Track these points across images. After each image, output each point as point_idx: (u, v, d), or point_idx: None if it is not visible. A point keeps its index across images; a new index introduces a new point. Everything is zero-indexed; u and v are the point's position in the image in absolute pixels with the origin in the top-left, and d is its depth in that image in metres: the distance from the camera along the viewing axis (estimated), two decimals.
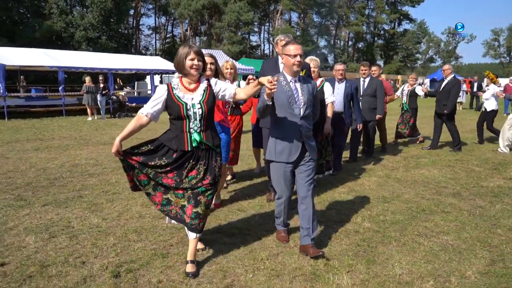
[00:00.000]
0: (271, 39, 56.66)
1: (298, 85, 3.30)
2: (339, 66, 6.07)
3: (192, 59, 2.85)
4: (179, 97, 2.88)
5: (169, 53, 47.66)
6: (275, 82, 2.77)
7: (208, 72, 3.85)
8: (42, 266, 2.99)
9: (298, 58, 3.19)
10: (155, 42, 61.38)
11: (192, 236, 2.97)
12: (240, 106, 5.19)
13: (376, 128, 7.75)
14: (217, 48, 38.43)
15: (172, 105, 2.87)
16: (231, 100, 3.10)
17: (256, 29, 57.87)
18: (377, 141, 8.31)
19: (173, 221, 3.15)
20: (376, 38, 62.32)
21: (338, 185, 5.51)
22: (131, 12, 48.12)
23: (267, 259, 3.18)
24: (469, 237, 3.71)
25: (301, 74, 4.03)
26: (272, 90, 2.78)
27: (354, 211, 4.44)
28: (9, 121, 13.92)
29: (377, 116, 7.09)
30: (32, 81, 26.29)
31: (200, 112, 2.89)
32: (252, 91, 2.99)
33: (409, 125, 8.92)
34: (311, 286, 2.79)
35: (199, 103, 2.89)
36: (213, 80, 3.06)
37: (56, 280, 2.79)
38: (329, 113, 4.96)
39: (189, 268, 2.94)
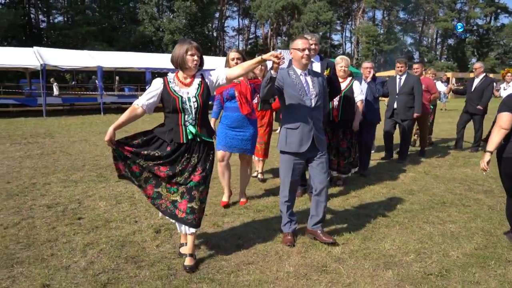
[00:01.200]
0: (352, 38, 55.82)
1: (308, 78, 3.43)
2: (367, 64, 6.17)
3: (193, 54, 2.92)
4: (175, 91, 2.93)
5: (251, 53, 49.41)
6: (281, 56, 2.90)
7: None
8: (106, 222, 3.96)
9: (306, 52, 3.31)
10: (238, 43, 63.84)
11: (189, 231, 3.03)
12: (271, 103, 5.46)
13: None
14: None
15: (167, 98, 2.93)
16: (225, 81, 3.09)
17: (338, 28, 57.49)
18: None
19: (161, 215, 3.20)
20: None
21: (373, 178, 5.89)
22: (216, 15, 50.67)
23: (280, 230, 3.81)
24: (475, 227, 3.96)
25: (325, 72, 4.39)
26: (280, 64, 2.92)
27: (375, 199, 4.86)
28: (104, 115, 16.04)
29: (415, 115, 6.86)
30: (127, 81, 29.30)
31: (196, 106, 2.94)
32: (252, 66, 3.05)
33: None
34: (305, 251, 3.38)
35: (195, 96, 2.94)
36: (205, 74, 3.10)
37: (114, 231, 3.73)
38: (359, 111, 5.36)
39: (188, 261, 3.03)
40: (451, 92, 8.62)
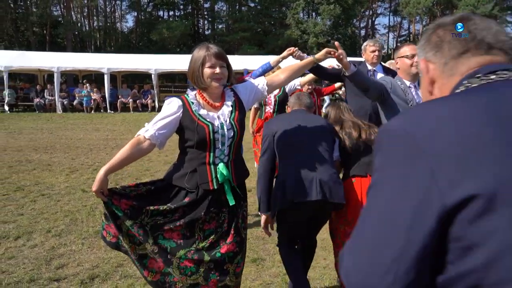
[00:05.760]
0: None
1: (420, 92, 2.91)
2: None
3: (212, 66, 2.09)
4: (201, 116, 2.10)
5: None
6: (336, 50, 2.54)
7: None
8: None
9: (416, 58, 2.85)
10: (388, 41, 62.21)
11: None
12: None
13: None
14: None
15: (191, 127, 2.09)
16: (266, 94, 2.36)
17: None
18: None
19: None
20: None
21: None
22: (367, 13, 50.79)
23: None
24: None
25: None
26: (342, 57, 2.55)
27: None
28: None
29: None
30: None
31: (231, 135, 2.14)
32: (301, 69, 2.52)
33: None
34: None
35: (230, 122, 2.14)
36: (238, 88, 2.33)
37: None
38: None
39: None
40: None
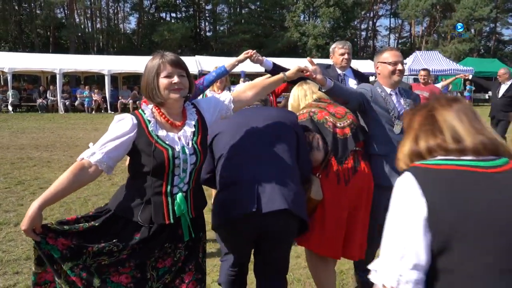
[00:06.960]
0: None
1: (401, 100, 2.85)
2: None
3: (169, 76, 1.82)
4: (159, 138, 1.82)
5: (403, 52, 48.11)
6: (306, 69, 2.34)
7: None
8: None
9: (399, 66, 2.77)
10: (389, 42, 62.52)
11: None
12: None
13: None
14: (444, 47, 37.05)
15: (147, 151, 1.79)
16: (231, 112, 2.13)
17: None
18: None
19: None
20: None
21: None
22: (368, 14, 51.16)
23: None
24: None
25: None
26: (315, 75, 2.36)
27: None
28: None
29: None
30: None
31: (194, 160, 1.87)
32: (272, 86, 2.35)
33: None
34: None
35: (193, 145, 1.87)
36: (200, 103, 2.08)
37: None
38: None
39: None
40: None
